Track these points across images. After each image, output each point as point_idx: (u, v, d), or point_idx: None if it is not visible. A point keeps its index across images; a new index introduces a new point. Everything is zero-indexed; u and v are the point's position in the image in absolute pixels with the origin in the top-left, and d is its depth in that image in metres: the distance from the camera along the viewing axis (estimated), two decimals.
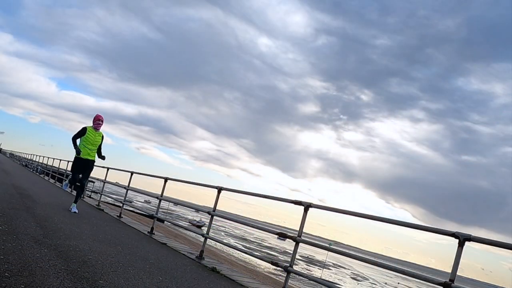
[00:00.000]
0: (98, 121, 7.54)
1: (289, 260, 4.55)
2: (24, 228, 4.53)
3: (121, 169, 10.47)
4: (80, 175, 7.65)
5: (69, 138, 7.46)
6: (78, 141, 7.49)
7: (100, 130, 7.67)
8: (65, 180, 8.19)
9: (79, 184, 7.75)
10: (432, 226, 3.61)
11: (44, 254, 3.50)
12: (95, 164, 7.82)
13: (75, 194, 8.19)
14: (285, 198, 4.91)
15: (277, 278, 19.04)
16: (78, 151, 7.38)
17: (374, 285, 43.84)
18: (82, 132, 7.44)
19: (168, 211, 62.81)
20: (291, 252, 4.71)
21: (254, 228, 7.13)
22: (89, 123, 7.65)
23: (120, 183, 13.03)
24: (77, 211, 7.61)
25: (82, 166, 7.56)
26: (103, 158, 7.77)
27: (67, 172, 17.51)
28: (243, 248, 16.71)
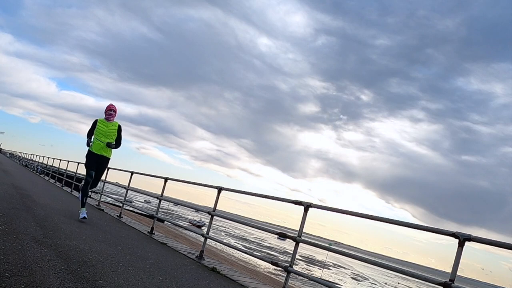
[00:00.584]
0: (110, 111, 6.81)
1: (289, 260, 4.54)
2: (24, 228, 4.53)
3: (121, 169, 10.47)
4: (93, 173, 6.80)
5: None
6: (92, 138, 6.81)
7: (115, 121, 6.98)
8: (82, 208, 6.71)
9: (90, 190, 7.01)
10: (432, 226, 3.61)
11: (44, 254, 3.49)
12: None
13: (79, 197, 7.76)
14: (285, 198, 4.90)
15: (277, 278, 19.04)
16: (88, 142, 6.70)
17: (374, 285, 43.84)
18: (93, 125, 6.80)
19: (168, 211, 62.80)
20: (291, 252, 4.71)
21: (254, 228, 7.12)
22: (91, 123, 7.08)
23: (120, 183, 13.02)
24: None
25: (95, 162, 6.75)
26: (110, 144, 6.72)
27: (67, 172, 17.50)
28: (243, 248, 16.68)
